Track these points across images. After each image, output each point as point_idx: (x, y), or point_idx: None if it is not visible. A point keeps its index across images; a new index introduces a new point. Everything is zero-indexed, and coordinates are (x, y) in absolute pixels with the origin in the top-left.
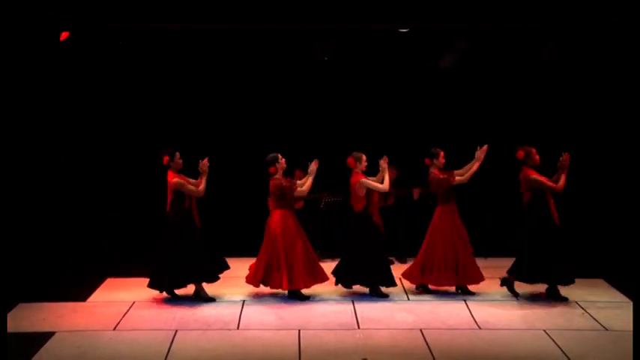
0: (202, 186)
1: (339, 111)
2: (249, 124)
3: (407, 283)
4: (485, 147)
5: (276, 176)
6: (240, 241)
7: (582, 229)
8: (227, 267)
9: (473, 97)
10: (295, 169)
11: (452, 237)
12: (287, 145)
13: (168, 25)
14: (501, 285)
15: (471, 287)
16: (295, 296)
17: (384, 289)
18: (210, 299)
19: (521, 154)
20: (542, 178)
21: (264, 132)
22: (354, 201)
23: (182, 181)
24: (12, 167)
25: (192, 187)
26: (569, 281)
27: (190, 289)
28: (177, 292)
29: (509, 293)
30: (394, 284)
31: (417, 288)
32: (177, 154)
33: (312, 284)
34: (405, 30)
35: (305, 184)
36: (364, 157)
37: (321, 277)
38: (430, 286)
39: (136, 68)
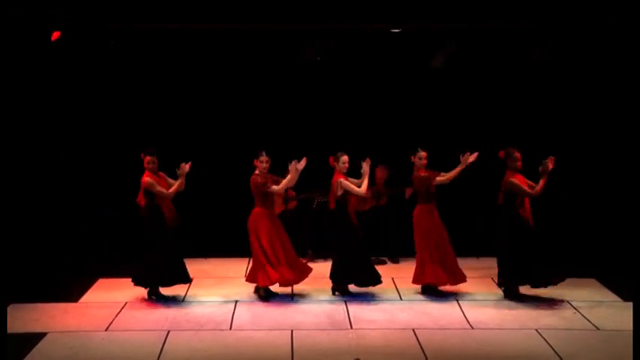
0: (173, 189)
1: (332, 111)
2: (249, 124)
3: (399, 283)
4: (475, 154)
5: (256, 172)
6: (238, 241)
7: (575, 229)
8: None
9: (467, 98)
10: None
11: (434, 236)
12: (282, 144)
13: (167, 26)
14: (505, 297)
15: (459, 287)
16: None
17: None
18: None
19: (501, 153)
20: (521, 183)
21: (262, 132)
22: (330, 199)
23: (152, 181)
24: (12, 167)
25: (160, 189)
26: (544, 283)
27: (183, 289)
28: (164, 291)
29: (501, 293)
30: (379, 282)
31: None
32: (154, 155)
33: (299, 281)
34: (397, 30)
35: (281, 182)
36: (343, 158)
37: (306, 274)
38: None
39: (136, 68)
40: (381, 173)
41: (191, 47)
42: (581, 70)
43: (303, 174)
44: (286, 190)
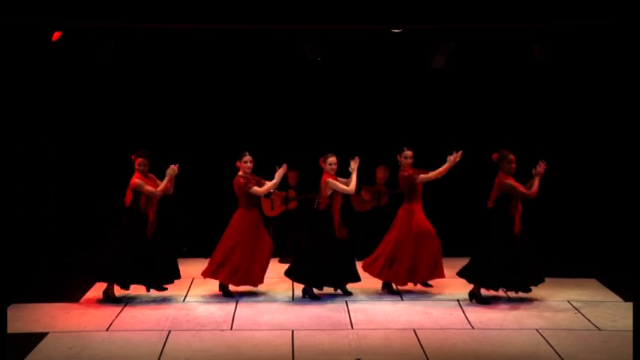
0: (160, 187)
1: (333, 111)
2: (250, 125)
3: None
4: (460, 152)
5: (239, 173)
6: None
7: (575, 230)
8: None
9: (467, 99)
10: (289, 170)
11: (409, 235)
12: (281, 145)
13: (159, 26)
14: (470, 299)
15: (459, 287)
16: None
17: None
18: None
19: (495, 155)
20: (516, 185)
21: (263, 133)
22: (321, 200)
23: (142, 182)
24: (10, 168)
25: (149, 188)
26: (524, 288)
27: (183, 289)
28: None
29: (500, 293)
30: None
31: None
32: (146, 157)
33: (240, 285)
34: (398, 30)
35: (264, 185)
36: (330, 159)
37: (252, 281)
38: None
39: (131, 69)
40: (382, 173)
41: (181, 49)
42: (579, 71)
43: (303, 175)
44: (287, 190)
